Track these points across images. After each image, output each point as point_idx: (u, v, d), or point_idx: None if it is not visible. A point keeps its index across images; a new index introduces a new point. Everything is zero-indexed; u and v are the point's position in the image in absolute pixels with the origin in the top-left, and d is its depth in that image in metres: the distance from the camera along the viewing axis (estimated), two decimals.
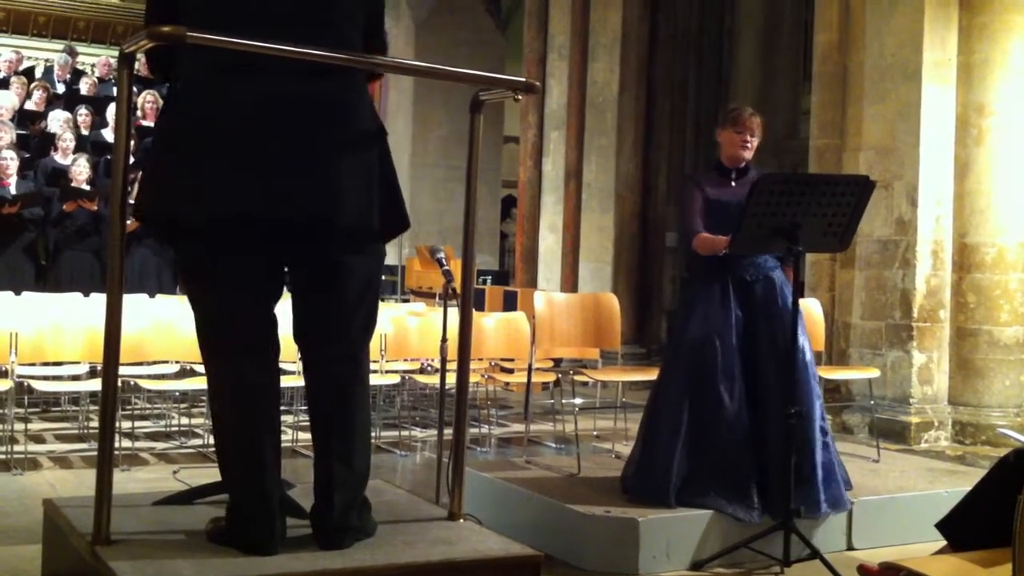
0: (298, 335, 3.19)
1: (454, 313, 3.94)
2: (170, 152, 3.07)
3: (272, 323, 3.15)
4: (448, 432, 3.92)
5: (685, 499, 4.28)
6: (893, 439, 6.93)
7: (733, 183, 4.53)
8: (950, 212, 7.37)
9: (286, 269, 3.18)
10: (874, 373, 6.46)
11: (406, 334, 6.89)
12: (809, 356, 4.49)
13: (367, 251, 3.16)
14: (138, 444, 6.29)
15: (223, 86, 2.97)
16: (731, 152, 4.57)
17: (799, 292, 4.30)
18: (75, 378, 6.47)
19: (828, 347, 7.38)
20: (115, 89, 3.34)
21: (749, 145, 4.54)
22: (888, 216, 7.41)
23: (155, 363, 6.54)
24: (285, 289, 3.25)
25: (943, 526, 3.42)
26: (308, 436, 6.16)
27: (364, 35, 3.17)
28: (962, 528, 3.32)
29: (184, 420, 7.01)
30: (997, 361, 7.31)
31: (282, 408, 3.31)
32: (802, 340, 4.42)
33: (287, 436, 5.88)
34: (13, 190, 8.77)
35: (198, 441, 6.50)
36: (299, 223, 3.01)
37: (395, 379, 6.68)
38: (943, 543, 3.41)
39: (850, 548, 4.45)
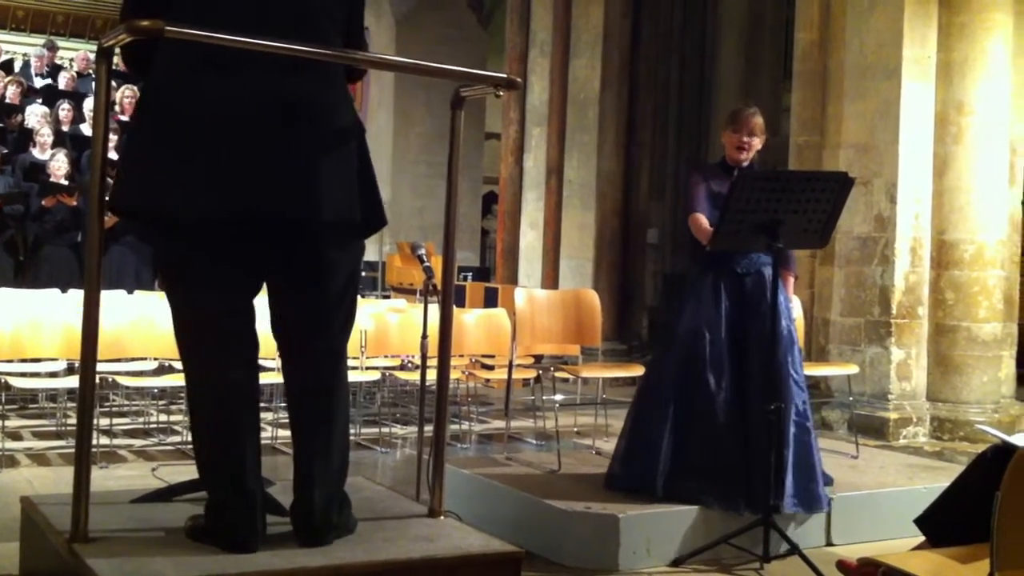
0: (278, 330, 3.18)
1: (435, 309, 3.93)
2: (145, 149, 3.04)
3: (251, 319, 3.14)
4: (428, 429, 3.91)
5: (671, 489, 4.29)
6: (872, 435, 6.97)
7: None
8: (929, 209, 7.40)
9: (265, 265, 3.16)
10: (853, 369, 6.49)
11: (386, 330, 6.88)
12: (791, 354, 4.48)
13: (347, 246, 3.16)
14: (116, 441, 6.26)
15: (199, 83, 2.95)
16: (730, 153, 4.60)
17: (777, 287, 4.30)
18: (53, 375, 6.43)
19: (807, 344, 7.41)
20: (93, 84, 3.32)
21: (746, 146, 4.55)
22: (867, 213, 7.44)
23: (133, 360, 6.51)
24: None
25: (922, 522, 3.43)
26: (287, 433, 6.15)
27: (344, 36, 3.17)
28: (941, 524, 3.33)
29: (163, 417, 6.98)
30: (975, 357, 7.35)
31: (261, 405, 3.29)
32: (785, 336, 4.43)
33: (267, 433, 5.86)
34: None
35: (177, 438, 6.47)
36: (278, 220, 3.00)
37: (375, 376, 6.66)
38: (922, 539, 3.43)
39: (829, 544, 4.46)
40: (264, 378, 3.39)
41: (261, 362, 3.31)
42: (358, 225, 3.15)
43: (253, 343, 3.15)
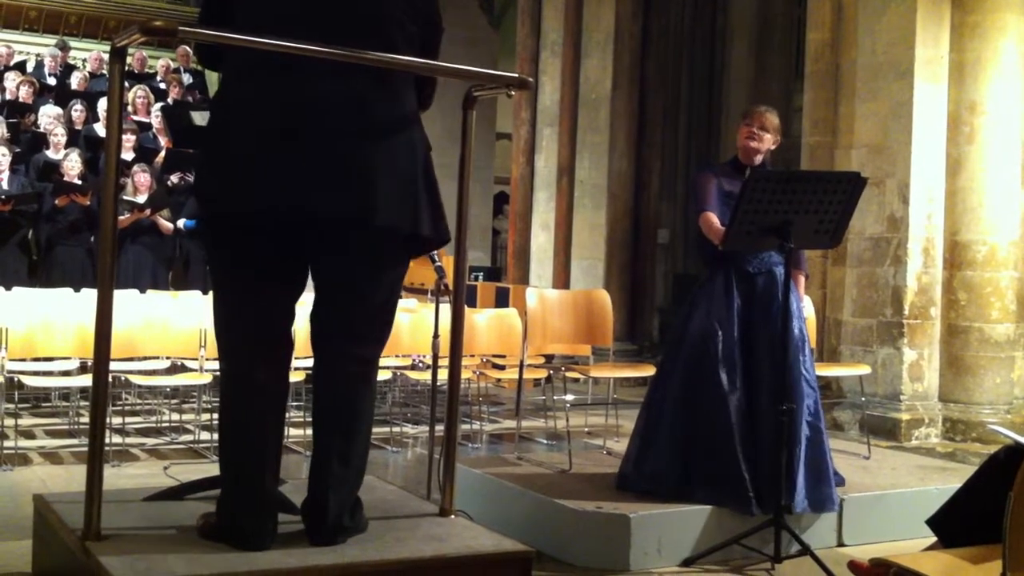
0: (317, 332, 3.20)
1: (446, 309, 3.94)
2: (214, 142, 3.09)
3: (291, 320, 3.17)
4: (439, 428, 3.92)
5: (684, 491, 4.29)
6: (884, 436, 6.95)
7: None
8: (941, 210, 7.39)
9: (312, 266, 3.18)
10: (865, 370, 6.48)
11: (398, 330, 6.85)
12: (803, 354, 4.47)
13: (399, 258, 3.19)
14: (129, 440, 6.28)
15: (260, 83, 2.99)
16: (741, 144, 4.60)
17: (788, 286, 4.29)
18: (66, 374, 6.45)
19: (819, 344, 7.40)
20: (106, 84, 3.34)
21: (756, 136, 4.54)
22: (880, 213, 7.42)
23: (146, 359, 6.53)
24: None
25: (933, 522, 3.43)
26: (299, 432, 6.16)
27: (418, 47, 3.17)
28: (952, 525, 3.32)
29: (175, 416, 7.00)
30: (988, 358, 7.33)
31: None
32: (796, 336, 4.42)
33: None
34: (5, 185, 8.75)
35: (189, 437, 6.49)
36: (330, 221, 3.01)
37: (387, 375, 6.67)
38: (933, 539, 3.42)
39: (841, 544, 4.45)
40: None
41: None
42: (420, 239, 3.16)
43: (289, 345, 3.18)
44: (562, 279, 11.05)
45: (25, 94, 10.92)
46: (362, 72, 3.01)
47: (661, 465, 4.37)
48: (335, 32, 2.96)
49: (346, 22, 3.03)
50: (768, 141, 4.57)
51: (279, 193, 2.94)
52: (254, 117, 2.98)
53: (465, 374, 6.38)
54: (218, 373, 3.36)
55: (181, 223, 9.09)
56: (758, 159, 4.58)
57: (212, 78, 12.90)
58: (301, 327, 3.29)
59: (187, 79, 12.44)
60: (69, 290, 7.35)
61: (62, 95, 11.20)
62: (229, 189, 2.97)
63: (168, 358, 6.55)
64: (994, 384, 7.33)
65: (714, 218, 4.43)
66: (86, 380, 5.64)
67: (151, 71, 12.78)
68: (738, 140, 4.64)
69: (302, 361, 5.60)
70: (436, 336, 4.45)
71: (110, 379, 3.46)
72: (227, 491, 3.13)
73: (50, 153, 9.47)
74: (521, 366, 6.07)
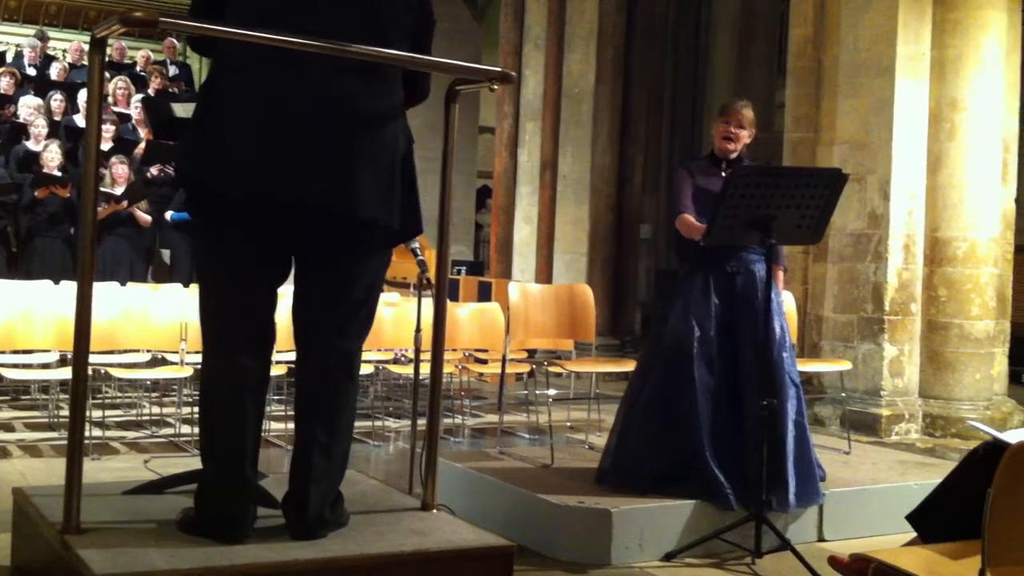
0: (299, 324, 3.21)
1: (428, 303, 3.93)
2: (205, 130, 3.08)
3: (274, 307, 3.19)
4: (422, 422, 3.91)
5: (662, 488, 4.30)
6: (864, 431, 6.98)
7: (723, 174, 4.53)
8: (922, 206, 7.42)
9: (294, 257, 3.19)
10: (846, 366, 6.50)
11: (380, 324, 6.81)
12: (785, 351, 4.49)
13: (378, 250, 3.20)
14: (109, 433, 6.25)
15: (253, 76, 3.00)
16: (717, 143, 4.60)
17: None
18: (45, 366, 6.41)
19: (800, 340, 7.43)
20: (86, 74, 3.32)
21: (732, 136, 4.55)
22: (861, 210, 7.45)
23: (126, 351, 6.50)
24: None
25: (913, 518, 3.44)
26: (281, 426, 6.14)
27: (411, 47, 3.18)
28: (932, 520, 3.34)
29: (155, 409, 6.97)
30: (968, 354, 7.37)
31: None
32: (779, 334, 4.43)
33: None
34: None
35: (169, 430, 6.46)
36: (315, 212, 3.03)
37: (369, 369, 6.66)
38: (913, 535, 3.44)
39: (821, 539, 4.47)
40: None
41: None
42: (395, 231, 3.19)
43: (271, 336, 3.20)
44: (545, 273, 11.06)
45: (5, 85, 10.83)
46: (354, 67, 3.02)
47: (639, 460, 4.38)
48: (327, 26, 2.97)
49: (338, 15, 3.02)
50: (744, 137, 4.58)
51: (271, 181, 2.96)
52: (248, 109, 2.98)
53: (447, 368, 6.36)
54: (199, 366, 3.35)
55: (168, 215, 9.05)
56: (734, 154, 4.59)
57: (199, 68, 12.84)
58: (284, 319, 3.28)
59: (173, 71, 12.37)
60: (49, 282, 7.30)
61: (42, 86, 11.12)
62: (222, 174, 2.98)
63: (149, 351, 6.51)
64: (974, 380, 7.37)
65: (690, 218, 4.44)
66: (66, 373, 5.61)
67: (131, 61, 12.71)
68: (715, 136, 4.65)
69: (285, 355, 5.58)
70: (418, 330, 4.44)
71: (90, 372, 3.44)
72: (207, 478, 3.13)
73: (30, 144, 9.40)
74: (503, 360, 6.06)
